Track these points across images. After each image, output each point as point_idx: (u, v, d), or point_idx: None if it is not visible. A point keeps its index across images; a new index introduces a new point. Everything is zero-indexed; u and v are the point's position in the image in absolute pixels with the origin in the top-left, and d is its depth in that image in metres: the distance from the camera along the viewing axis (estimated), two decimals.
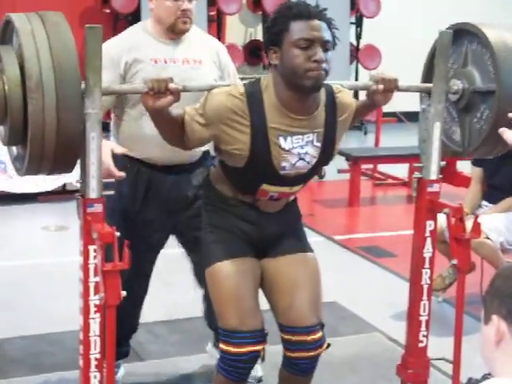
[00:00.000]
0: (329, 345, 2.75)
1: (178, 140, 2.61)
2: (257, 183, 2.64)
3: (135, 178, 3.17)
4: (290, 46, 2.48)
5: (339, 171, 7.51)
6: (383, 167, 8.04)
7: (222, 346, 2.66)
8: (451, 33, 2.91)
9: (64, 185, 6.59)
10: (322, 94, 2.61)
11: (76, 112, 2.26)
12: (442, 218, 3.06)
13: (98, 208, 2.46)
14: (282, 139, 2.56)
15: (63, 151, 2.29)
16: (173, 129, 2.57)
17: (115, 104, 3.13)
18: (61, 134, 2.24)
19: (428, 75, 3.11)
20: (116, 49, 3.06)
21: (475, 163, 4.71)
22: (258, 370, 3.35)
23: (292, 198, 2.82)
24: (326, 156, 2.67)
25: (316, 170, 2.69)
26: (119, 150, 2.91)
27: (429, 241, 3.01)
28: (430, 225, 3.00)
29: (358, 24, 10.73)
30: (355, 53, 10.65)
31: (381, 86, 2.70)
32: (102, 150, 2.44)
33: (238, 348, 2.62)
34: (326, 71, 2.50)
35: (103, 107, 2.95)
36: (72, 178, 6.34)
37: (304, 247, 2.81)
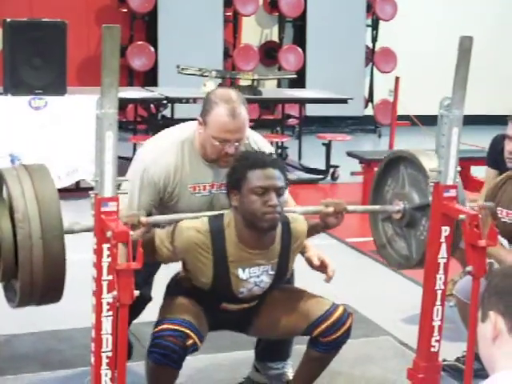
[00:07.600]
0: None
1: (151, 257, 2.82)
2: (218, 302, 2.97)
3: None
4: (248, 192, 2.77)
5: (352, 174, 7.49)
6: None
7: (153, 330, 2.86)
8: (472, 38, 2.90)
9: (78, 182, 6.61)
10: (278, 225, 2.88)
11: (59, 240, 2.48)
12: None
13: (113, 207, 2.47)
14: (240, 270, 2.87)
15: (50, 276, 2.49)
16: (146, 249, 2.73)
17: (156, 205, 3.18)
18: (47, 258, 2.46)
19: (375, 195, 3.37)
20: (163, 180, 3.07)
21: (490, 164, 4.41)
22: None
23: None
24: (279, 280, 2.98)
25: (270, 290, 2.99)
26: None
27: (444, 246, 3.00)
28: (445, 230, 2.99)
29: (374, 27, 10.71)
30: (371, 55, 10.63)
31: (331, 208, 2.97)
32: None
33: (169, 325, 2.82)
34: (280, 213, 2.80)
35: (144, 212, 2.99)
36: (86, 176, 6.37)
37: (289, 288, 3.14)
